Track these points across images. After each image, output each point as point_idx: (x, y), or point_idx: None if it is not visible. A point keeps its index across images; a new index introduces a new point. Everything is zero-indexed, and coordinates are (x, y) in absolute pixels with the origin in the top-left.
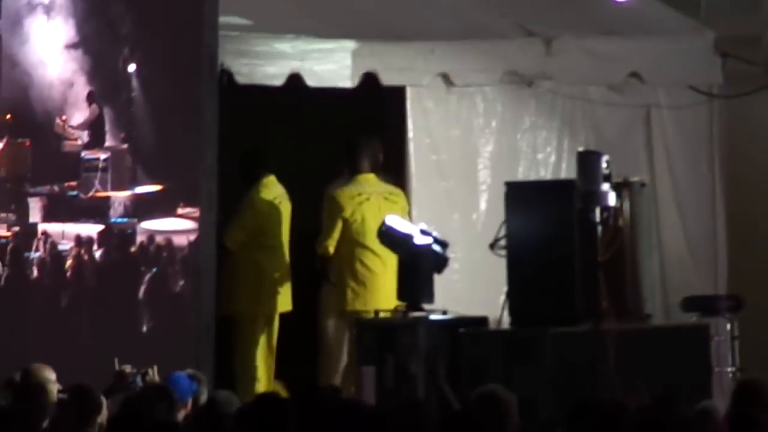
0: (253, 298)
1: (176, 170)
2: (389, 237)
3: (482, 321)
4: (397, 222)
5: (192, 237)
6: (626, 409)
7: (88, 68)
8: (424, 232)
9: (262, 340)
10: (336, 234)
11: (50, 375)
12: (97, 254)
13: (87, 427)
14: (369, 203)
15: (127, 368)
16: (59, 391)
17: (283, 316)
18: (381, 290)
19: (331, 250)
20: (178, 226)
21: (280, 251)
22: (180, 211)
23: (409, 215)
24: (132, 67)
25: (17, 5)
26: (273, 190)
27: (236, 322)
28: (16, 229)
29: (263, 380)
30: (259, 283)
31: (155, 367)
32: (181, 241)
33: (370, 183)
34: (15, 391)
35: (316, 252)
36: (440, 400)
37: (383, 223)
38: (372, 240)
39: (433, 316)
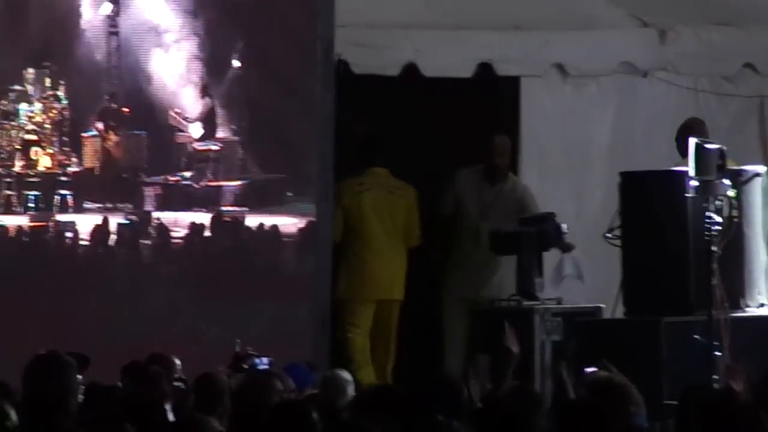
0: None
1: (288, 160)
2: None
3: (596, 310)
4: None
5: (301, 225)
6: (737, 396)
7: (202, 61)
8: (528, 221)
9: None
10: (337, 223)
11: (173, 362)
12: (209, 242)
13: (212, 415)
14: (369, 194)
15: (249, 350)
16: (178, 379)
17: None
18: (372, 278)
19: (336, 238)
20: (288, 215)
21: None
22: (290, 199)
23: (420, 211)
24: (245, 60)
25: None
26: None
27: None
28: (133, 217)
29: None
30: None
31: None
32: (291, 229)
33: (376, 176)
34: (137, 377)
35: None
36: (556, 388)
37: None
38: (367, 229)
39: (547, 305)
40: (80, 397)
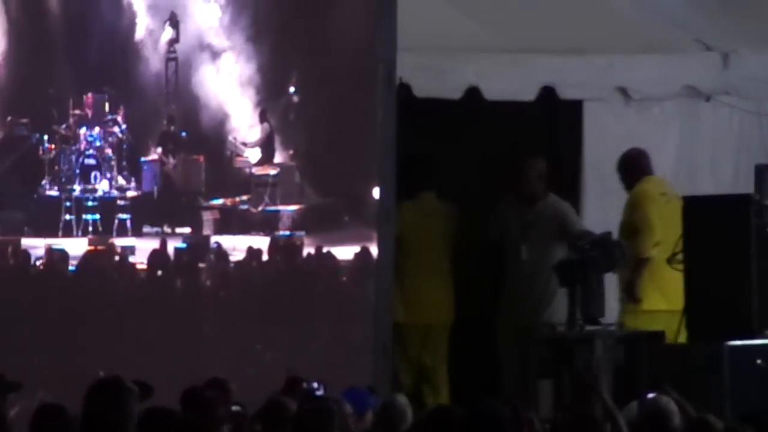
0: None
1: (346, 184)
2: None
3: (659, 335)
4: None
5: (358, 249)
6: None
7: (261, 85)
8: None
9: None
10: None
11: (230, 387)
12: (267, 266)
13: None
14: (418, 217)
15: (302, 376)
16: (236, 404)
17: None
18: (420, 299)
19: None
20: (345, 239)
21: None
22: (347, 223)
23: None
24: (305, 84)
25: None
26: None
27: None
28: (191, 241)
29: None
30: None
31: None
32: (348, 253)
33: (425, 199)
34: (194, 402)
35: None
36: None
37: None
38: (412, 251)
39: (610, 330)
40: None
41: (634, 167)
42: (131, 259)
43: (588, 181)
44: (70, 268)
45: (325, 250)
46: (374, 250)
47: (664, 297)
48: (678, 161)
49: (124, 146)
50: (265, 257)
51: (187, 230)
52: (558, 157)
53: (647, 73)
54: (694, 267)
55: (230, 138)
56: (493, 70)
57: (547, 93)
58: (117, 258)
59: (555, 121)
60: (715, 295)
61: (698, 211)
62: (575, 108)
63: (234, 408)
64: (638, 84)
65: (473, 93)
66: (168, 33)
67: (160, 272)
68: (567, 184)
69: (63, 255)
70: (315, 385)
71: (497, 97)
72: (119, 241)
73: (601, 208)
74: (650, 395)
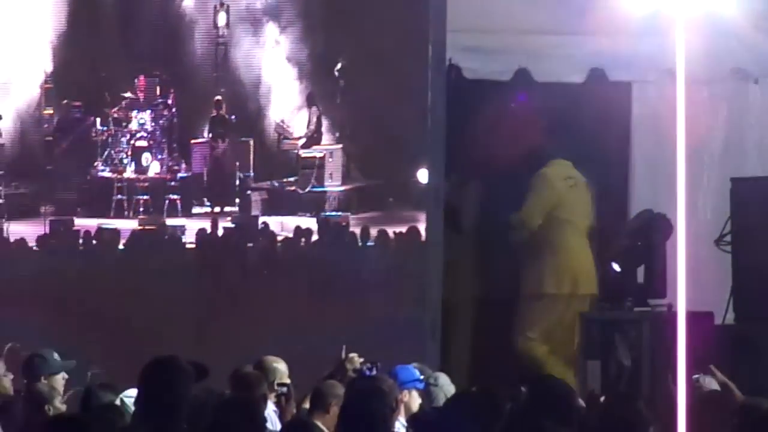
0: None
1: (392, 166)
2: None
3: (708, 316)
4: None
5: (402, 229)
6: None
7: (308, 69)
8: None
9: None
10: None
11: (275, 367)
12: (314, 245)
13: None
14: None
15: (355, 356)
16: (280, 384)
17: None
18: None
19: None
20: (391, 219)
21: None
22: (392, 204)
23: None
24: (353, 66)
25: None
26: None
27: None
28: (240, 221)
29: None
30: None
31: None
32: (392, 233)
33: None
34: (239, 383)
35: None
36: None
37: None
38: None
39: (658, 311)
40: None
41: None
42: (181, 238)
43: (636, 162)
44: (121, 247)
45: (371, 229)
46: (420, 230)
47: (559, 281)
48: (726, 143)
49: (175, 129)
50: (311, 237)
51: (235, 211)
52: (607, 138)
53: (696, 54)
54: (742, 248)
55: (278, 121)
56: (542, 51)
57: (597, 74)
58: (167, 237)
59: (604, 103)
60: (762, 277)
61: (746, 192)
62: (624, 89)
63: (279, 388)
64: (687, 65)
65: (523, 74)
66: (218, 18)
67: (209, 251)
68: (616, 164)
69: (114, 234)
70: (369, 365)
71: (547, 79)
72: (170, 221)
73: (649, 189)
74: (696, 376)
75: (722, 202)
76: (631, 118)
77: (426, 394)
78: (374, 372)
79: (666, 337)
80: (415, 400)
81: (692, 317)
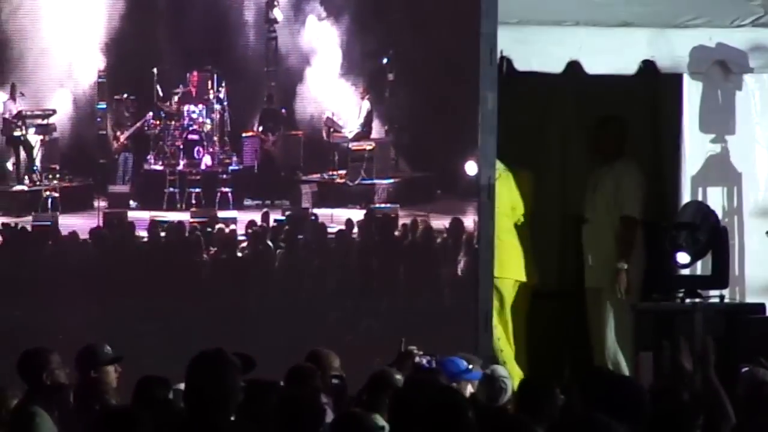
0: None
1: (442, 158)
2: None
3: (760, 307)
4: None
5: (451, 222)
6: None
7: (359, 62)
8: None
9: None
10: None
11: (329, 359)
12: (364, 238)
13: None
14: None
15: (414, 349)
16: (336, 376)
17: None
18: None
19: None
20: (440, 212)
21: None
22: (440, 197)
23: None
24: (404, 59)
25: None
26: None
27: None
28: (290, 213)
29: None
30: None
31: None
32: (442, 226)
33: None
34: (293, 375)
35: None
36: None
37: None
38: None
39: (710, 302)
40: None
41: None
42: (233, 230)
43: (688, 154)
44: (175, 239)
45: (420, 222)
46: (468, 222)
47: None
48: None
49: (226, 122)
50: (361, 229)
51: (286, 203)
52: (658, 131)
53: (747, 46)
54: None
55: (327, 113)
56: (594, 43)
57: (648, 67)
58: (219, 230)
59: (655, 95)
60: None
61: None
62: (675, 81)
63: (334, 380)
64: (737, 57)
65: (574, 66)
66: (269, 12)
67: (260, 244)
68: (668, 156)
69: (167, 226)
70: (428, 358)
71: (598, 71)
72: (221, 214)
73: (702, 179)
74: (745, 369)
75: None
76: (683, 110)
77: (488, 385)
78: (433, 365)
79: (718, 328)
80: (465, 392)
81: (744, 309)
